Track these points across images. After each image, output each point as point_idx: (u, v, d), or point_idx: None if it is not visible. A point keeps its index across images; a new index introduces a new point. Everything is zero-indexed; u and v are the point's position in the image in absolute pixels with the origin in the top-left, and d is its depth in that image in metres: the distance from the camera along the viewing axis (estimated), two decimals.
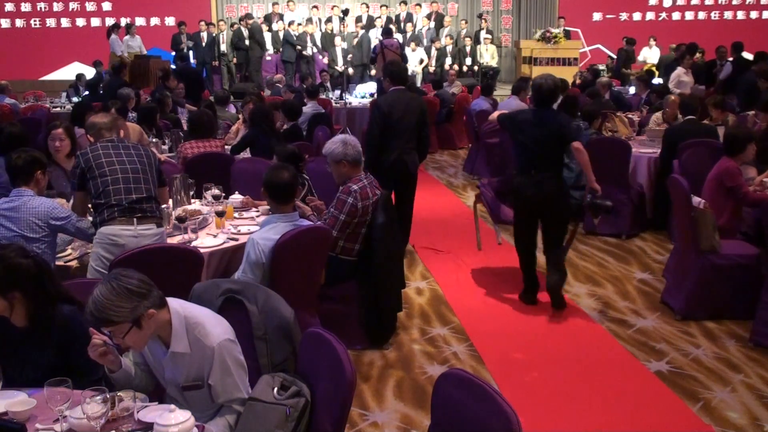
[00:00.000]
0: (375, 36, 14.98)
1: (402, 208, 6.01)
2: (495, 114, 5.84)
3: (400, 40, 15.29)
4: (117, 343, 2.49)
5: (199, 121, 6.68)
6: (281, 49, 15.48)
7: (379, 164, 5.66)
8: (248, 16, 16.12)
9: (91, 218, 4.06)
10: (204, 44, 15.35)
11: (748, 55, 12.12)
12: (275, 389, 2.60)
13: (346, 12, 16.23)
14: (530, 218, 5.26)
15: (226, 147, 7.19)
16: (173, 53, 15.14)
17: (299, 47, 15.17)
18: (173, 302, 2.59)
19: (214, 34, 15.42)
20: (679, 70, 11.49)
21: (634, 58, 15.67)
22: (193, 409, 2.51)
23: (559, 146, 5.07)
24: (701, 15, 18.72)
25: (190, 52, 15.22)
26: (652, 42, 15.82)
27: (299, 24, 15.88)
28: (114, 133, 4.19)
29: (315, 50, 15.54)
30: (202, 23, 15.37)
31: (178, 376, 2.60)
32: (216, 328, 2.58)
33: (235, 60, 15.54)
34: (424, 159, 6.36)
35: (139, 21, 17.24)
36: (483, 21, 16.84)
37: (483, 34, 16.36)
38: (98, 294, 2.39)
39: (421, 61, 15.48)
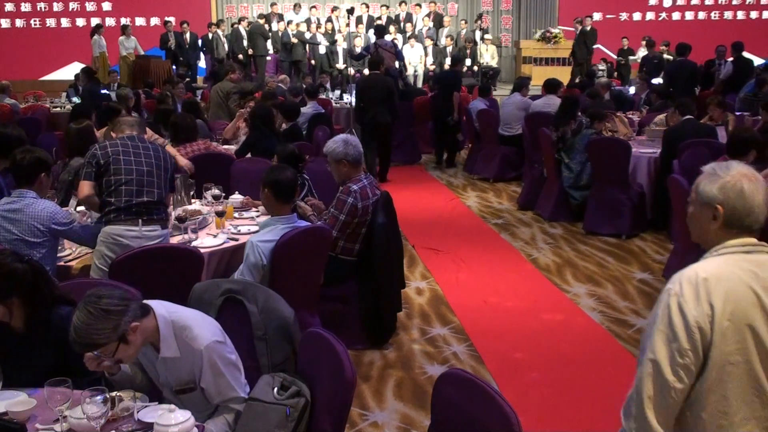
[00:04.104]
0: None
1: (382, 151, 9.45)
2: None
3: (401, 40, 15.30)
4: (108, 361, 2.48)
5: (180, 126, 6.63)
6: (279, 50, 15.49)
7: (362, 120, 9.14)
8: (261, 16, 16.15)
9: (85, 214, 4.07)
10: (188, 45, 15.34)
11: (748, 55, 12.13)
12: (275, 389, 2.60)
13: (351, 11, 16.26)
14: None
15: (225, 148, 7.18)
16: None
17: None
18: (159, 307, 2.55)
19: (210, 35, 15.40)
20: None
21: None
22: (190, 410, 2.52)
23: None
24: (701, 15, 18.73)
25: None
26: (643, 43, 15.81)
27: (297, 24, 15.88)
28: (136, 130, 4.22)
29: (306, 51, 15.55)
30: (185, 24, 15.36)
31: (170, 380, 2.60)
32: (203, 330, 2.56)
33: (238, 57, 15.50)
34: (395, 117, 9.40)
35: (139, 21, 17.25)
36: (482, 21, 16.84)
37: (478, 34, 16.35)
38: (77, 321, 2.35)
39: (420, 59, 15.49)
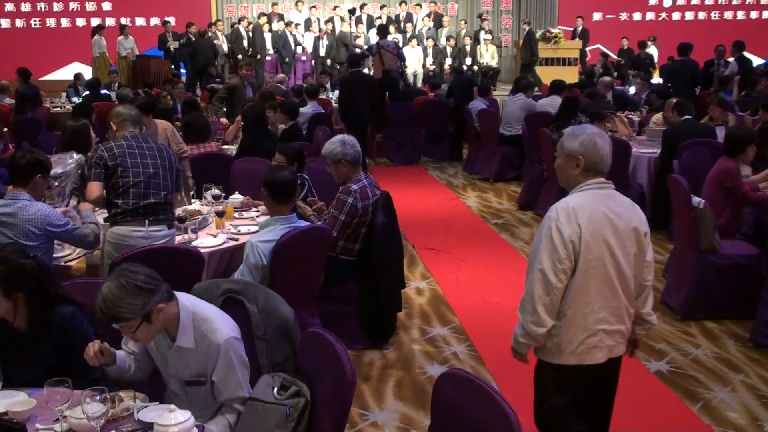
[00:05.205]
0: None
1: (365, 140, 9.88)
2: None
3: (400, 40, 15.29)
4: (128, 337, 2.51)
5: (194, 125, 6.62)
6: (279, 50, 15.46)
7: (347, 115, 9.76)
8: (262, 15, 16.13)
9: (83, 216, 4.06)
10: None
11: (748, 55, 12.13)
12: (275, 389, 2.60)
13: (353, 11, 16.24)
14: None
15: (224, 147, 7.18)
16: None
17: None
18: (182, 297, 2.60)
19: (209, 34, 15.37)
20: None
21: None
22: (193, 406, 2.53)
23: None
24: (701, 15, 18.71)
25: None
26: (650, 42, 15.82)
27: (297, 24, 15.86)
28: (138, 127, 4.16)
29: (300, 51, 15.51)
30: (193, 27, 15.31)
31: (181, 370, 2.61)
32: (224, 325, 2.60)
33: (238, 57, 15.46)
34: (376, 112, 10.20)
35: (139, 21, 17.22)
36: (483, 21, 16.81)
37: (483, 35, 16.34)
38: (107, 291, 2.37)
39: (419, 61, 15.49)
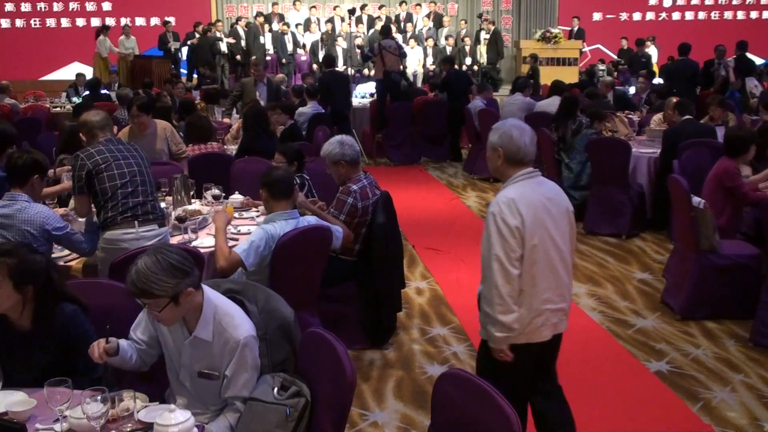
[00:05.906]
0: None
1: (343, 130, 9.66)
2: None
3: (400, 40, 15.29)
4: (152, 316, 2.53)
5: (197, 125, 6.62)
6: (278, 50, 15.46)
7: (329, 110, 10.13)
8: (259, 14, 16.13)
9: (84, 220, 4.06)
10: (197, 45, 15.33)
11: (749, 55, 12.13)
12: (275, 389, 2.61)
13: (352, 11, 16.24)
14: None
15: (225, 148, 7.18)
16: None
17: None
18: (207, 290, 2.63)
19: (210, 34, 15.37)
20: None
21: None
22: (198, 400, 2.55)
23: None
24: (701, 15, 18.71)
25: (184, 49, 15.22)
26: (650, 42, 15.81)
27: (298, 24, 15.86)
28: (108, 131, 4.11)
29: (299, 51, 15.51)
30: (200, 27, 15.31)
31: (195, 361, 2.63)
32: (245, 322, 2.64)
33: (238, 57, 15.44)
34: (350, 106, 11.03)
35: (139, 21, 17.22)
36: (484, 21, 16.80)
37: (483, 35, 16.34)
38: (143, 265, 2.41)
39: (419, 61, 15.48)
